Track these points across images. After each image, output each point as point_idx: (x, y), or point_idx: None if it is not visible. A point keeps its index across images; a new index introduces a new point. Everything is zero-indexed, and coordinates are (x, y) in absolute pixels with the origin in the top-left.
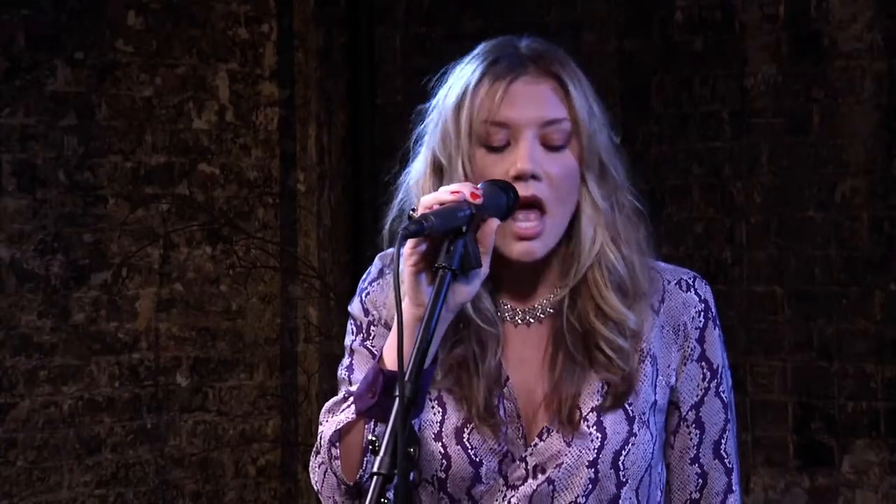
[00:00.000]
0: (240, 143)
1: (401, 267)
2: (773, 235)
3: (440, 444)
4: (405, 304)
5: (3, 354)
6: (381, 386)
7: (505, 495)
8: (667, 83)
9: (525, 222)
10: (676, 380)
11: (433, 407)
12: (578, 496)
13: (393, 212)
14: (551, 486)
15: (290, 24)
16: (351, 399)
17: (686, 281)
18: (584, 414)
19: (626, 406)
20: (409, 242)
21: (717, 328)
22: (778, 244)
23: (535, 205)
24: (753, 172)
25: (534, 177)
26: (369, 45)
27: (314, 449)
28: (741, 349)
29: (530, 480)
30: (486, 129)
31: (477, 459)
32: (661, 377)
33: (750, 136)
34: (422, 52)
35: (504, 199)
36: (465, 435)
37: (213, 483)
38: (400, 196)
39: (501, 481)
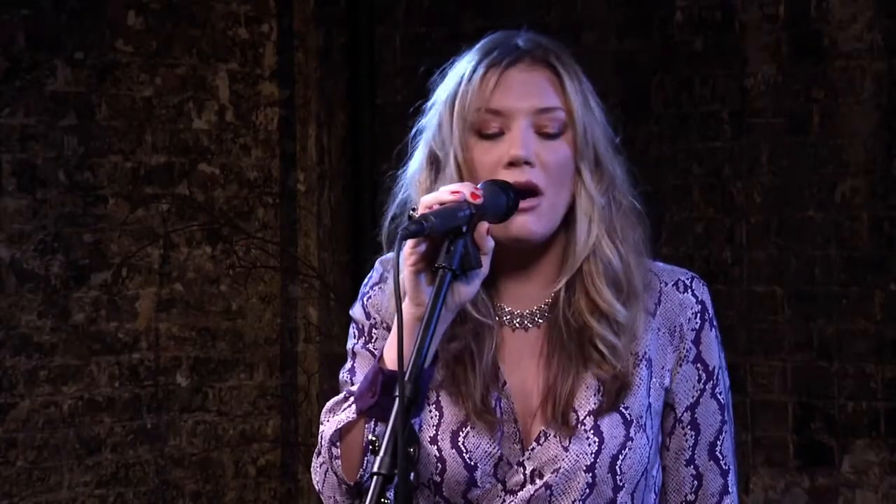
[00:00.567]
0: (240, 143)
1: (400, 267)
2: (773, 235)
3: (435, 447)
4: (405, 303)
5: (3, 354)
6: (381, 385)
7: (503, 500)
8: (667, 83)
9: (522, 201)
10: (671, 381)
11: (430, 410)
12: (575, 501)
13: (391, 209)
14: (549, 492)
15: (290, 24)
16: (351, 399)
17: (683, 282)
18: (581, 418)
19: (623, 410)
20: (409, 242)
21: (713, 329)
22: (778, 244)
23: (530, 190)
24: (753, 172)
25: (527, 163)
26: (369, 45)
27: (316, 449)
28: (741, 349)
29: (528, 486)
30: (479, 117)
31: (472, 463)
32: (655, 379)
33: (750, 136)
34: (422, 52)
35: (504, 199)
36: (461, 438)
37: (213, 483)
38: (398, 192)
39: (500, 486)
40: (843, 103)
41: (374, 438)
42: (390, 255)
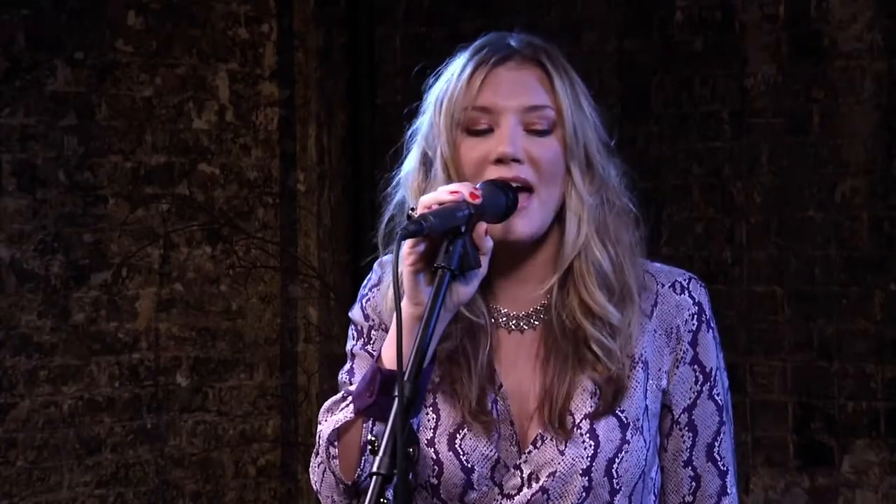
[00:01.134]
0: (240, 143)
1: (399, 267)
2: (773, 235)
3: (432, 449)
4: (403, 303)
5: (3, 354)
6: (379, 385)
7: None
8: (667, 83)
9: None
10: (668, 382)
11: (427, 413)
12: None
13: (387, 211)
14: (545, 495)
15: (290, 24)
16: (349, 398)
17: (680, 283)
18: (577, 421)
19: (619, 413)
20: (408, 242)
21: (710, 330)
22: (778, 244)
23: (521, 187)
24: (753, 172)
25: (515, 160)
26: (369, 45)
27: (314, 449)
28: (741, 349)
29: (525, 489)
30: (467, 115)
31: (469, 465)
32: (651, 381)
33: (750, 136)
34: (422, 52)
35: (503, 200)
36: (458, 441)
37: (213, 483)
38: (393, 194)
39: (496, 490)
40: (843, 103)
41: (373, 438)
42: (389, 256)
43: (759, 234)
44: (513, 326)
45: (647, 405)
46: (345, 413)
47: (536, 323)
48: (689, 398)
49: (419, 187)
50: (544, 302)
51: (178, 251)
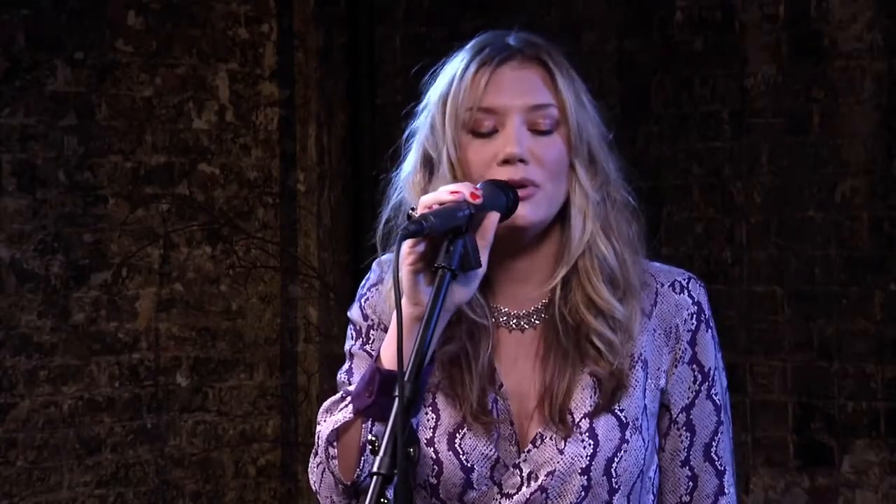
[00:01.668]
0: (240, 143)
1: (399, 267)
2: (773, 235)
3: (432, 449)
4: (402, 303)
5: (3, 354)
6: (378, 385)
7: (499, 503)
8: (667, 83)
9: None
10: (666, 382)
11: (426, 412)
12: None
13: (385, 211)
14: (544, 494)
15: (290, 24)
16: (348, 399)
17: (680, 282)
18: (577, 420)
19: (618, 412)
20: (408, 242)
21: (709, 330)
22: (778, 244)
23: (525, 186)
24: (753, 172)
25: (522, 160)
26: (369, 45)
27: (313, 450)
28: (741, 349)
29: (524, 489)
30: (472, 116)
31: (468, 465)
32: (650, 381)
33: (750, 136)
34: (422, 52)
35: (504, 199)
36: (458, 440)
37: (213, 483)
38: (392, 195)
39: (495, 489)
40: (843, 103)
41: (373, 438)
42: (387, 256)
43: (759, 234)
44: (513, 326)
45: (645, 405)
46: (344, 413)
47: (537, 322)
48: (688, 398)
49: (421, 188)
50: (545, 300)
51: (178, 251)
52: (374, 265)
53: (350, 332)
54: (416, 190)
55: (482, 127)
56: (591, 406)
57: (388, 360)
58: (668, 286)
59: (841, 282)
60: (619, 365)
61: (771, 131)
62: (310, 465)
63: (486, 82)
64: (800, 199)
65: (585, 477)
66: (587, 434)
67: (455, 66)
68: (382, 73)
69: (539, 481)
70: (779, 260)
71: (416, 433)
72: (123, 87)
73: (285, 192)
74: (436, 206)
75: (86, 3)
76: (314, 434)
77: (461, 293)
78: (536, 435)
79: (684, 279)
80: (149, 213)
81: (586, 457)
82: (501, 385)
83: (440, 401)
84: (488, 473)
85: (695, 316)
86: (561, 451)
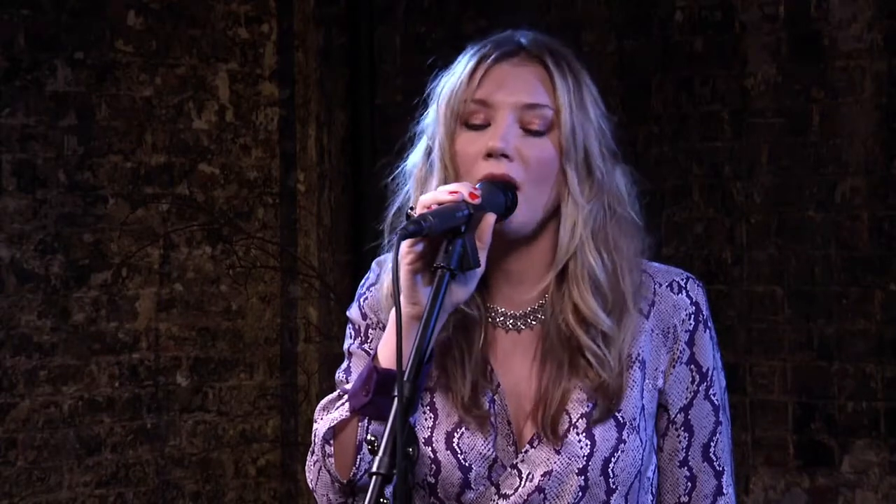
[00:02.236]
0: (240, 143)
1: (398, 266)
2: (773, 235)
3: (430, 448)
4: (401, 303)
5: (3, 354)
6: (375, 384)
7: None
8: (667, 83)
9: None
10: (664, 382)
11: (424, 412)
12: None
13: (396, 201)
14: (542, 495)
15: (290, 24)
16: (345, 397)
17: (678, 283)
18: (574, 421)
19: (616, 413)
20: (407, 242)
21: (708, 330)
22: (778, 244)
23: (506, 184)
24: (753, 172)
25: (505, 156)
26: (369, 45)
27: (310, 448)
28: (741, 349)
29: (521, 489)
30: (466, 108)
31: (466, 464)
32: (648, 381)
33: (750, 136)
34: (422, 52)
35: (503, 199)
36: (455, 440)
37: (213, 483)
38: (400, 185)
39: (493, 489)
40: (843, 103)
41: (373, 438)
42: (386, 256)
43: (759, 234)
44: (510, 326)
45: (643, 405)
46: (340, 412)
47: (534, 322)
48: (686, 398)
49: (421, 179)
50: (541, 302)
51: (178, 251)
52: (373, 265)
53: (349, 331)
54: (416, 181)
55: (474, 119)
56: (587, 408)
57: (386, 359)
58: (666, 286)
59: (841, 282)
60: (608, 378)
61: (771, 131)
62: (306, 462)
63: (483, 75)
64: (800, 199)
65: (583, 477)
66: (584, 435)
67: (461, 61)
68: (382, 73)
69: (536, 481)
70: (779, 260)
71: (415, 433)
72: (123, 87)
73: (285, 192)
74: (434, 206)
75: (86, 3)
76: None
77: (460, 293)
78: (533, 435)
79: (682, 279)
80: (149, 213)
81: (584, 457)
82: (499, 385)
83: (437, 400)
84: (486, 473)
85: (693, 316)
86: (558, 452)
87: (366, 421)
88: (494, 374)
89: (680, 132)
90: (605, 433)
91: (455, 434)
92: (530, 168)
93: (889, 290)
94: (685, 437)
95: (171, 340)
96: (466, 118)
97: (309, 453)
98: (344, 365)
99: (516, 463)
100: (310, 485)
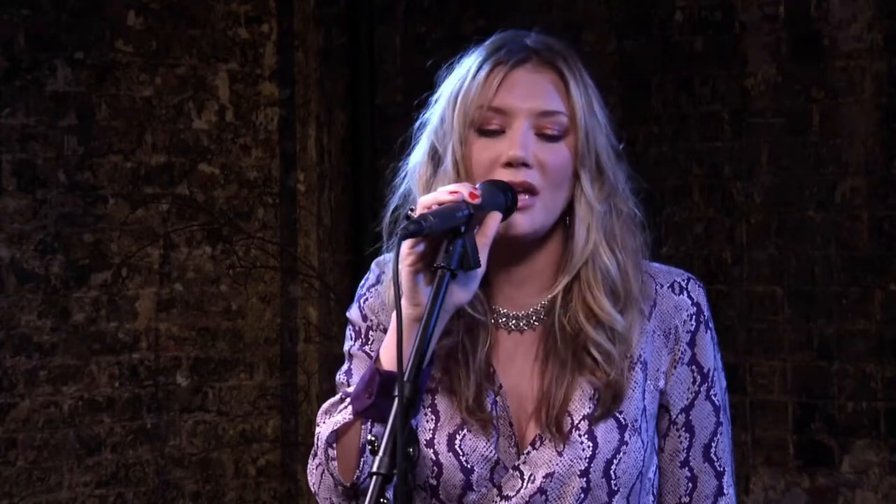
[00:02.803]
0: (240, 143)
1: (399, 267)
2: (773, 235)
3: (432, 450)
4: (402, 303)
5: (3, 354)
6: (378, 386)
7: None
8: (667, 83)
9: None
10: (666, 383)
11: (426, 413)
12: None
13: (393, 201)
14: (544, 496)
15: (290, 24)
16: (348, 400)
17: (679, 283)
18: (576, 422)
19: (618, 414)
20: (407, 242)
21: (709, 331)
22: (778, 244)
23: (525, 190)
24: (753, 172)
25: (524, 164)
26: (369, 45)
27: (312, 451)
28: (741, 349)
29: (523, 491)
30: (481, 114)
31: (468, 466)
32: (649, 382)
33: (750, 136)
34: (422, 52)
35: (503, 199)
36: (457, 441)
37: (213, 483)
38: (399, 184)
39: (495, 491)
40: (843, 103)
41: (373, 438)
42: (386, 256)
43: (759, 234)
44: (512, 327)
45: (645, 406)
46: (343, 415)
47: (536, 324)
48: (687, 399)
49: (427, 181)
50: (545, 303)
51: (178, 251)
52: (373, 265)
53: (349, 332)
54: (421, 182)
55: (490, 125)
56: (590, 408)
57: (388, 361)
58: (668, 287)
59: (841, 282)
60: (615, 376)
61: (771, 131)
62: (308, 466)
63: (500, 82)
64: (800, 199)
65: (584, 479)
66: (586, 436)
67: (470, 62)
68: (382, 73)
69: (538, 483)
70: (779, 260)
71: (416, 433)
72: (123, 87)
73: (285, 192)
74: (435, 207)
75: (86, 3)
76: (314, 434)
77: (461, 294)
78: (535, 437)
79: (683, 280)
80: (149, 213)
81: (585, 459)
82: (501, 386)
83: (440, 402)
84: (488, 475)
85: (694, 317)
86: (560, 453)
87: (369, 423)
88: (496, 376)
89: (680, 132)
90: (607, 435)
91: (457, 436)
92: (548, 174)
93: (889, 290)
94: (686, 438)
95: (171, 340)
96: (480, 124)
97: (311, 456)
98: (344, 367)
99: (518, 464)
100: (312, 488)
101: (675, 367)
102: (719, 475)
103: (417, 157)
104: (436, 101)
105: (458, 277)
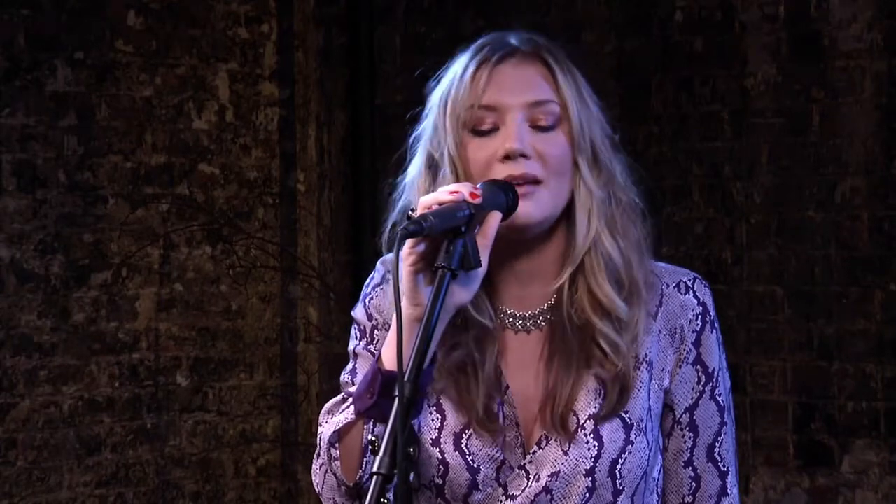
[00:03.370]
0: (240, 143)
1: (400, 267)
2: (773, 235)
3: (438, 449)
4: (403, 303)
5: (3, 354)
6: (380, 386)
7: None
8: (667, 83)
9: (519, 188)
10: (670, 382)
11: (431, 413)
12: None
13: (392, 216)
14: (549, 496)
15: (290, 24)
16: (350, 400)
17: (685, 283)
18: (582, 422)
19: (623, 413)
20: (408, 242)
21: (714, 331)
22: (778, 244)
23: (528, 181)
24: (753, 172)
25: (523, 155)
26: (369, 45)
27: (316, 451)
28: (741, 349)
29: (528, 490)
30: (473, 114)
31: (474, 466)
32: (654, 381)
33: (750, 136)
34: (422, 52)
35: (503, 199)
36: (464, 441)
37: (213, 483)
38: (398, 199)
39: (500, 490)
40: (843, 103)
41: (373, 438)
42: (391, 255)
43: (759, 234)
44: (519, 327)
45: (650, 406)
46: (345, 415)
47: (543, 324)
48: (691, 398)
49: (427, 192)
50: (551, 301)
51: (178, 251)
52: (378, 265)
53: (354, 332)
54: (420, 193)
55: (483, 124)
56: (596, 408)
57: (390, 361)
58: (674, 287)
59: (841, 282)
60: (623, 367)
61: (771, 131)
62: (312, 467)
63: (486, 80)
64: (800, 199)
65: (590, 479)
66: (592, 436)
67: (456, 67)
68: (382, 73)
69: (543, 482)
70: (779, 260)
71: (417, 433)
72: (123, 87)
73: (285, 192)
74: (435, 207)
75: (86, 3)
76: (314, 434)
77: (461, 294)
78: (541, 437)
79: (689, 280)
80: (149, 213)
81: (591, 458)
82: (507, 387)
83: (445, 402)
84: (494, 475)
85: (700, 317)
86: (566, 453)
87: (371, 423)
88: (503, 377)
89: (680, 132)
90: (612, 434)
91: (463, 435)
92: (549, 164)
93: (889, 290)
94: (690, 438)
95: (171, 340)
96: (474, 124)
97: (315, 457)
98: (349, 366)
99: (524, 464)
100: (316, 489)
101: (679, 367)
102: (723, 475)
103: (414, 169)
104: (427, 112)
105: (458, 277)
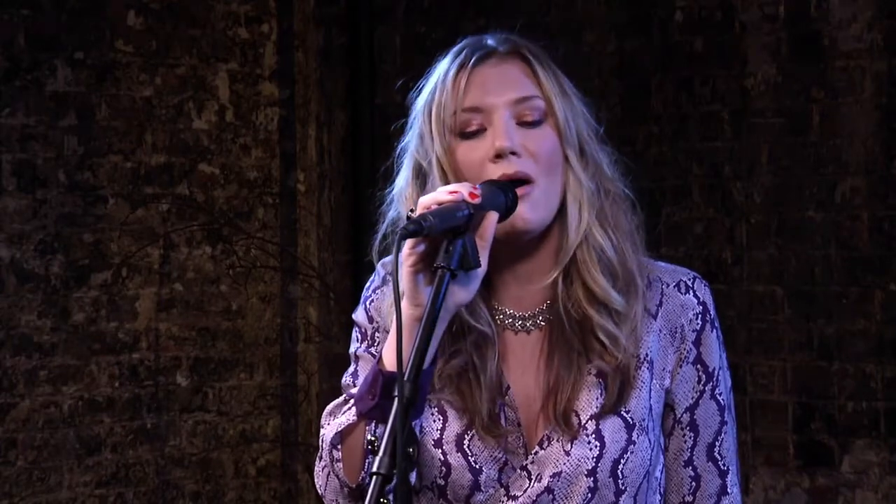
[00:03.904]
0: (240, 143)
1: (399, 267)
2: (773, 235)
3: (440, 450)
4: (403, 304)
5: (3, 354)
6: (381, 387)
7: None
8: (667, 83)
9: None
10: (671, 381)
11: (433, 414)
12: None
13: (381, 229)
14: (551, 496)
15: (290, 24)
16: (351, 401)
17: (685, 282)
18: (583, 422)
19: (624, 413)
20: (408, 242)
21: (714, 330)
22: (778, 244)
23: (521, 181)
24: (753, 172)
25: (513, 153)
26: (369, 45)
27: (318, 453)
28: (741, 349)
29: (530, 490)
30: (458, 119)
31: (477, 467)
32: (655, 381)
33: (750, 136)
34: (422, 52)
35: (503, 199)
36: (466, 442)
37: (213, 483)
38: (388, 211)
39: (502, 491)
40: (843, 103)
41: (373, 438)
42: (391, 257)
43: (759, 234)
44: (519, 327)
45: (651, 405)
46: (347, 416)
47: (542, 323)
48: (692, 398)
49: (415, 201)
50: (549, 301)
51: (178, 251)
52: (378, 267)
53: (355, 334)
54: (409, 204)
55: (469, 127)
56: (597, 407)
57: (391, 362)
58: (674, 286)
59: (841, 282)
60: (624, 360)
61: (771, 131)
62: (315, 469)
63: (468, 82)
64: (800, 199)
65: (592, 479)
66: (593, 436)
67: (436, 73)
68: (382, 73)
69: (545, 482)
70: (779, 260)
71: (418, 434)
72: (123, 87)
73: (285, 192)
74: (434, 207)
75: (86, 3)
76: (314, 434)
77: (461, 294)
78: (543, 437)
79: (689, 279)
80: (149, 213)
81: (592, 458)
82: (508, 388)
83: (447, 402)
84: (496, 476)
85: (700, 316)
86: (567, 453)
87: (373, 425)
88: (504, 378)
89: (680, 132)
90: (614, 434)
91: (465, 437)
92: (540, 160)
93: (889, 290)
94: (690, 437)
95: (171, 340)
96: (460, 128)
97: (317, 459)
98: (351, 369)
99: (526, 464)
100: (319, 490)
101: (680, 366)
102: (723, 474)
103: (402, 180)
104: (411, 122)
105: (458, 277)
